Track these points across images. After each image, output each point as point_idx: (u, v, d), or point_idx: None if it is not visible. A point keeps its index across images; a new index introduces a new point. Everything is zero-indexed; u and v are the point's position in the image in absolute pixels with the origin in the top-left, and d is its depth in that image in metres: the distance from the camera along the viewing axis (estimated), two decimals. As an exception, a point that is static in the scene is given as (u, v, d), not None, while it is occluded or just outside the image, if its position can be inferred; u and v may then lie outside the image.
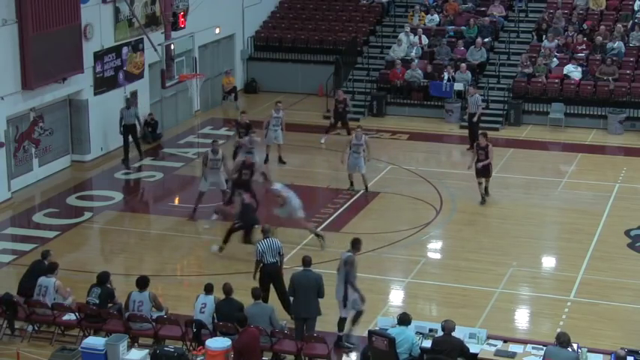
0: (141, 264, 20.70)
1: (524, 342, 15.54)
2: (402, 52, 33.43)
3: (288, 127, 27.76)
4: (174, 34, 27.51)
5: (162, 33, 27.91)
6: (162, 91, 29.99)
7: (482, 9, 35.29)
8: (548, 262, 21.39)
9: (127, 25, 28.80)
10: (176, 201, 24.97)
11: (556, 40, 32.61)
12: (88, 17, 26.89)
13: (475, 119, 28.21)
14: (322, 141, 28.81)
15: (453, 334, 14.77)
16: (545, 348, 14.63)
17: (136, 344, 16.17)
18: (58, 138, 26.92)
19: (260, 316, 15.57)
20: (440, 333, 15.01)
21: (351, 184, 24.77)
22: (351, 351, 16.67)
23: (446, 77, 31.78)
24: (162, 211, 23.99)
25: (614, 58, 31.48)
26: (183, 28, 27.68)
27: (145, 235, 22.58)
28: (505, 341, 15.48)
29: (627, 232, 22.17)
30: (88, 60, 27.00)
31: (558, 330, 16.11)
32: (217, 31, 33.50)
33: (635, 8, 33.93)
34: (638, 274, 20.03)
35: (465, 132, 29.32)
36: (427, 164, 27.74)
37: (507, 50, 33.69)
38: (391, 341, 14.62)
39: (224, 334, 15.49)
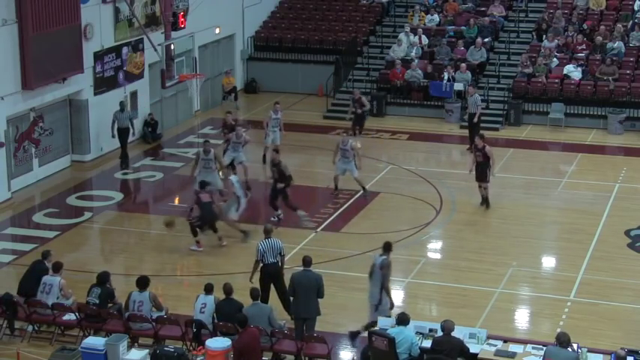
0: (141, 264, 20.70)
1: (524, 342, 15.53)
2: (402, 52, 33.44)
3: (287, 127, 27.78)
4: (174, 34, 27.52)
5: (162, 33, 27.91)
6: (162, 91, 29.99)
7: (483, 9, 35.29)
8: (548, 262, 21.39)
9: (127, 25, 28.81)
10: (176, 201, 24.95)
11: (556, 40, 32.62)
12: (88, 17, 26.90)
13: (475, 119, 28.21)
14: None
15: (453, 333, 14.78)
16: (545, 348, 14.62)
17: (136, 344, 16.17)
18: (58, 138, 26.92)
19: (259, 317, 15.56)
20: (440, 333, 15.01)
21: (336, 187, 24.55)
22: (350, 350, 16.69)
23: (446, 77, 31.79)
24: (163, 211, 23.97)
25: (614, 58, 31.49)
26: (183, 28, 27.68)
27: (145, 235, 22.58)
28: (505, 341, 15.47)
29: (627, 232, 22.17)
30: (88, 60, 27.01)
31: (558, 330, 16.11)
32: (217, 31, 33.51)
33: (635, 8, 33.93)
34: (638, 274, 20.03)
35: (465, 132, 29.33)
36: (427, 164, 27.74)
37: (507, 50, 33.70)
38: (391, 341, 14.62)
39: (224, 334, 15.48)
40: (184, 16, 27.68)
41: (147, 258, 21.20)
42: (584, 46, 32.52)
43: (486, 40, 33.37)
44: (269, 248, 17.50)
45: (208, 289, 16.23)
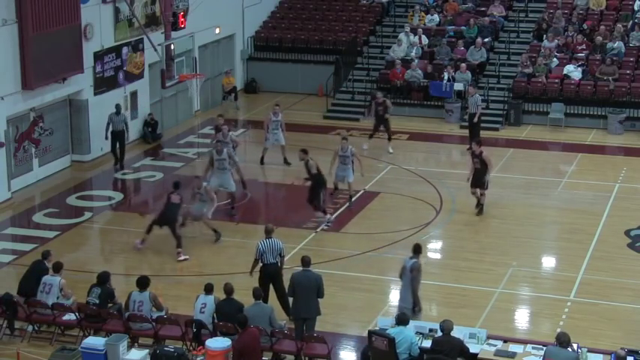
0: (141, 264, 20.69)
1: (524, 342, 15.53)
2: (402, 52, 33.44)
3: (287, 127, 27.74)
4: (174, 34, 27.51)
5: (162, 33, 27.91)
6: (163, 91, 29.99)
7: (483, 9, 35.30)
8: (548, 262, 21.38)
9: (127, 25, 28.81)
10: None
11: (556, 40, 32.62)
12: (88, 17, 26.90)
13: (475, 119, 28.21)
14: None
15: (453, 333, 14.78)
16: (545, 348, 14.63)
17: (136, 344, 16.17)
18: (58, 138, 26.92)
19: (260, 317, 15.57)
20: (439, 333, 15.01)
21: (336, 187, 24.16)
22: None
23: (446, 77, 31.79)
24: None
25: (614, 58, 31.49)
26: (183, 28, 27.68)
27: (145, 235, 22.52)
28: (505, 341, 15.47)
29: (627, 232, 22.17)
30: (88, 60, 27.01)
31: (558, 330, 16.12)
32: (217, 31, 33.51)
33: (635, 8, 33.93)
34: (638, 274, 20.03)
35: (465, 132, 29.34)
36: (427, 164, 27.74)
37: (507, 50, 33.70)
38: (391, 341, 14.62)
39: (224, 334, 15.49)
40: (184, 16, 27.68)
41: (147, 258, 21.19)
42: (584, 46, 32.52)
43: (486, 40, 33.37)
44: (269, 248, 17.48)
45: (208, 289, 16.23)
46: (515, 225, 22.82)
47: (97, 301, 16.61)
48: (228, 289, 16.05)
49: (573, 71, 31.54)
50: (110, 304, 16.81)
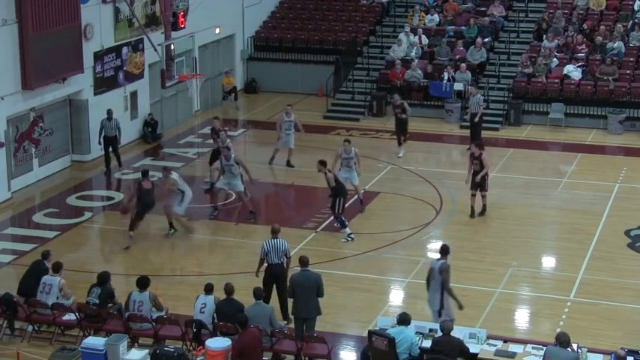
0: (141, 264, 20.69)
1: (524, 342, 15.54)
2: (402, 52, 33.44)
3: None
4: (174, 34, 27.51)
5: (162, 33, 27.91)
6: (163, 91, 29.99)
7: (483, 9, 35.29)
8: (548, 262, 21.38)
9: (127, 25, 28.81)
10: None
11: (556, 40, 32.62)
12: (88, 17, 26.90)
13: (476, 119, 28.19)
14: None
15: (453, 333, 14.78)
16: (545, 348, 14.63)
17: (136, 344, 16.17)
18: (58, 138, 26.92)
19: (260, 317, 15.56)
20: (440, 333, 15.01)
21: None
22: None
23: (446, 77, 31.78)
24: (162, 211, 23.92)
25: (614, 58, 31.49)
26: (183, 28, 27.68)
27: (145, 235, 22.55)
28: (505, 341, 15.48)
29: (627, 232, 22.17)
30: (88, 60, 27.01)
31: (558, 330, 16.11)
32: (217, 31, 33.51)
33: (635, 8, 33.92)
34: (638, 274, 20.02)
35: (465, 132, 29.35)
36: (427, 164, 27.72)
37: (507, 50, 33.69)
38: (391, 341, 14.62)
39: (224, 334, 15.49)
40: (184, 16, 27.67)
41: (147, 258, 21.20)
42: (584, 46, 32.52)
43: (486, 40, 33.36)
44: (273, 248, 17.44)
45: (208, 289, 16.22)
46: (515, 225, 22.82)
47: (97, 301, 16.61)
48: (229, 289, 16.04)
49: (573, 71, 31.54)
50: (110, 304, 16.80)
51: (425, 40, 33.94)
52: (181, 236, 22.14)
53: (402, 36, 33.89)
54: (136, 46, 29.22)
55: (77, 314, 16.71)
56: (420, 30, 34.11)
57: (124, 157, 27.57)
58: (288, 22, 36.70)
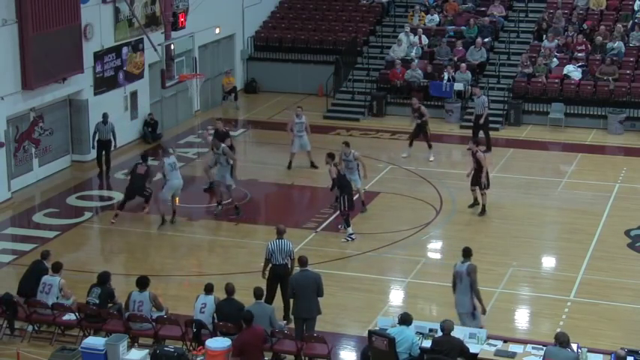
0: (141, 264, 20.69)
1: (524, 342, 15.54)
2: (402, 52, 33.44)
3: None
4: (174, 34, 27.51)
5: (162, 33, 27.90)
6: (163, 91, 29.98)
7: (483, 9, 35.29)
8: (548, 262, 21.38)
9: (127, 25, 28.81)
10: (176, 201, 24.91)
11: (556, 40, 32.62)
12: (88, 17, 26.90)
13: (481, 121, 28.13)
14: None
15: (453, 333, 14.78)
16: (545, 348, 14.63)
17: (136, 344, 16.17)
18: (58, 138, 26.92)
19: (261, 317, 15.53)
20: (440, 333, 15.01)
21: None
22: None
23: (446, 77, 31.78)
24: (163, 211, 23.93)
25: (614, 58, 31.49)
26: (183, 28, 27.68)
27: (145, 235, 22.56)
28: (505, 341, 15.47)
29: (627, 232, 22.17)
30: (88, 60, 27.00)
31: (558, 330, 16.10)
32: (217, 31, 33.50)
33: (635, 8, 33.93)
34: (638, 274, 20.02)
35: (465, 132, 29.33)
36: (427, 164, 27.69)
37: (507, 50, 33.69)
38: (391, 341, 14.62)
39: (224, 334, 15.49)
40: (184, 16, 27.68)
41: (147, 258, 21.20)
42: (584, 46, 32.52)
43: (486, 40, 33.36)
44: (278, 249, 17.40)
45: (208, 289, 16.22)
46: (515, 225, 22.82)
47: (97, 301, 16.60)
48: (230, 289, 16.03)
49: (573, 71, 31.54)
50: (110, 304, 16.80)
51: (425, 40, 33.93)
52: (181, 236, 22.14)
53: (402, 36, 33.89)
54: (136, 46, 29.22)
55: (77, 314, 16.71)
56: (420, 30, 34.11)
57: (124, 157, 27.58)
58: (288, 22, 36.70)
